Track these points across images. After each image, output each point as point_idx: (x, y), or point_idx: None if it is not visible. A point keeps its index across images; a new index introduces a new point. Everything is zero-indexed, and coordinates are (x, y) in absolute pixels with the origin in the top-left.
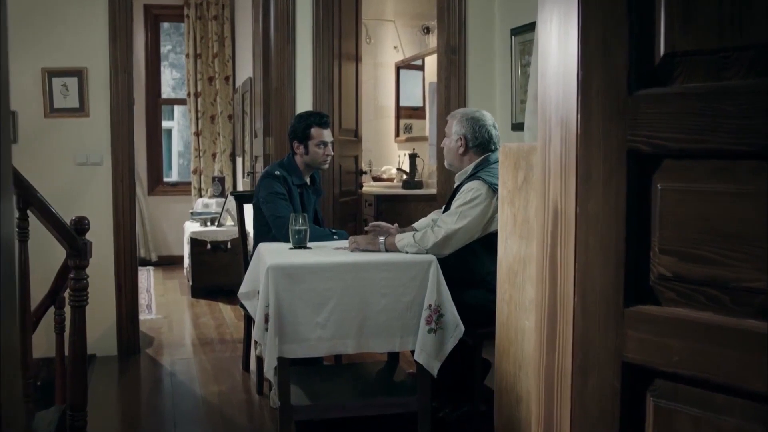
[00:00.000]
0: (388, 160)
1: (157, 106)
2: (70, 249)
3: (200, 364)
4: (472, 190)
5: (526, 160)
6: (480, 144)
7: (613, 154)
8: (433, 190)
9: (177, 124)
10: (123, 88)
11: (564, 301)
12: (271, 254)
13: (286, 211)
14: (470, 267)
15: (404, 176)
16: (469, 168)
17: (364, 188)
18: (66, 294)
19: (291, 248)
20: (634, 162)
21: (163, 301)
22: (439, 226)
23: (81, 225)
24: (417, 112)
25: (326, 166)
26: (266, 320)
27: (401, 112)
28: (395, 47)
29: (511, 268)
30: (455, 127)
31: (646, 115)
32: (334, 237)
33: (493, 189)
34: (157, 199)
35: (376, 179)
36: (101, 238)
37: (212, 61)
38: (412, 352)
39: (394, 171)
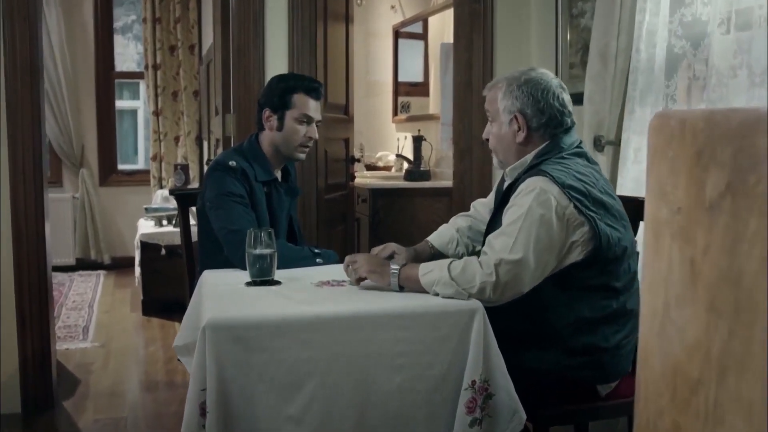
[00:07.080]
0: (384, 145)
1: (109, 81)
2: None
3: (135, 426)
4: (530, 193)
5: (737, 144)
6: (548, 121)
7: None
8: (446, 183)
9: (144, 104)
10: (23, 44)
11: None
12: (215, 295)
13: (244, 222)
14: (536, 318)
15: (406, 164)
16: (528, 157)
17: (356, 179)
18: None
19: (248, 283)
20: None
21: (105, 320)
22: (485, 253)
23: None
24: (416, 89)
25: (302, 155)
26: (202, 413)
27: (399, 88)
28: (392, 6)
29: (679, 371)
30: (503, 102)
31: None
32: (318, 261)
33: (568, 195)
34: (110, 190)
35: (370, 168)
36: None
37: (174, 27)
38: None
39: (392, 158)
